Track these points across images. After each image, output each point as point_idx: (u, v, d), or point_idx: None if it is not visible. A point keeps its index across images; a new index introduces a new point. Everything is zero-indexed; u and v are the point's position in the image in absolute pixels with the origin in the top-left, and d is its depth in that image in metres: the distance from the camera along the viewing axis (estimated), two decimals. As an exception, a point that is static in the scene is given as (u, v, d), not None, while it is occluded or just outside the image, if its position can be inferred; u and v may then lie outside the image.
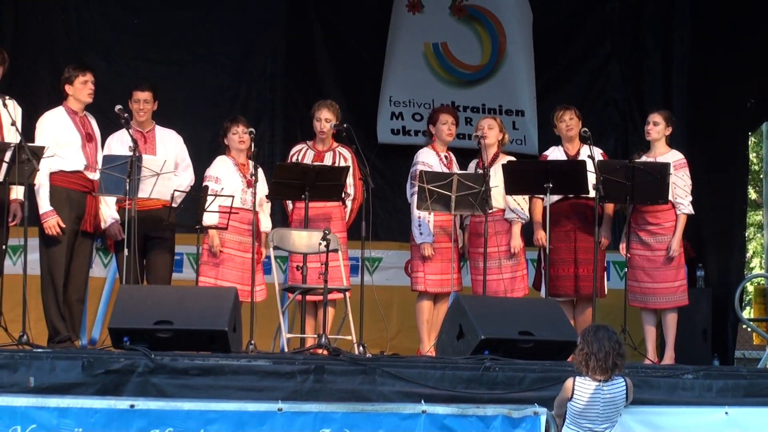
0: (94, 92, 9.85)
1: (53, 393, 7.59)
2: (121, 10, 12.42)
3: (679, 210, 10.18)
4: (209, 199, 9.72)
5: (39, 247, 9.69)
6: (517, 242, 10.29)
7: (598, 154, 10.15)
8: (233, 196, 9.79)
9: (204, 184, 10.02)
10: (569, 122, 10.42)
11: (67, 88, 9.84)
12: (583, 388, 7.46)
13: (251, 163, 10.01)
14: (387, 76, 12.90)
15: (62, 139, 9.70)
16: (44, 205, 9.60)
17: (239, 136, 10.10)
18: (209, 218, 9.80)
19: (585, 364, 7.44)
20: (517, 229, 10.31)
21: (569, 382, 7.50)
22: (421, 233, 10.30)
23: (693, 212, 10.24)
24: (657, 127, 10.30)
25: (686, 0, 13.39)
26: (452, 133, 10.53)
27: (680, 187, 10.16)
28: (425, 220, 10.25)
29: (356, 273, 10.30)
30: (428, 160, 10.37)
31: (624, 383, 7.53)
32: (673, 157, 10.23)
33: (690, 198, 10.20)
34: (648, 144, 10.39)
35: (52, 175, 9.62)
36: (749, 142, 15.48)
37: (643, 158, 10.23)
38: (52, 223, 9.57)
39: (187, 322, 8.53)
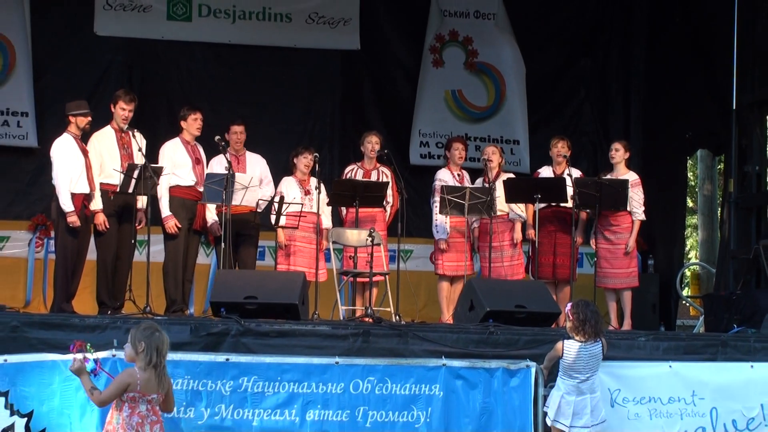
0: (201, 127, 9.88)
1: (169, 350, 7.61)
2: (220, 66, 12.45)
3: (634, 217, 10.16)
4: (283, 206, 9.74)
5: (163, 242, 9.75)
6: (518, 235, 10.30)
7: (577, 173, 10.16)
8: (303, 204, 9.81)
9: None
10: (557, 149, 10.36)
11: (182, 123, 9.88)
12: (570, 348, 7.47)
13: (312, 179, 10.02)
14: (417, 114, 12.88)
15: (178, 162, 9.74)
16: (165, 211, 9.65)
17: (307, 159, 10.11)
18: (282, 220, 9.82)
19: (581, 329, 7.43)
20: (518, 226, 10.32)
21: (559, 344, 7.52)
22: (437, 232, 10.30)
23: (645, 218, 10.24)
24: (619, 153, 10.29)
25: (641, 58, 13.35)
26: (463, 156, 10.51)
27: (636, 200, 10.13)
28: (441, 221, 10.23)
29: (394, 261, 10.28)
30: (444, 177, 10.36)
31: (600, 343, 7.54)
32: (631, 177, 10.22)
33: (643, 208, 10.21)
34: (611, 165, 10.38)
35: (171, 188, 9.67)
36: (688, 164, 15.47)
37: (608, 176, 10.25)
38: (171, 224, 9.62)
39: (268, 297, 8.55)
